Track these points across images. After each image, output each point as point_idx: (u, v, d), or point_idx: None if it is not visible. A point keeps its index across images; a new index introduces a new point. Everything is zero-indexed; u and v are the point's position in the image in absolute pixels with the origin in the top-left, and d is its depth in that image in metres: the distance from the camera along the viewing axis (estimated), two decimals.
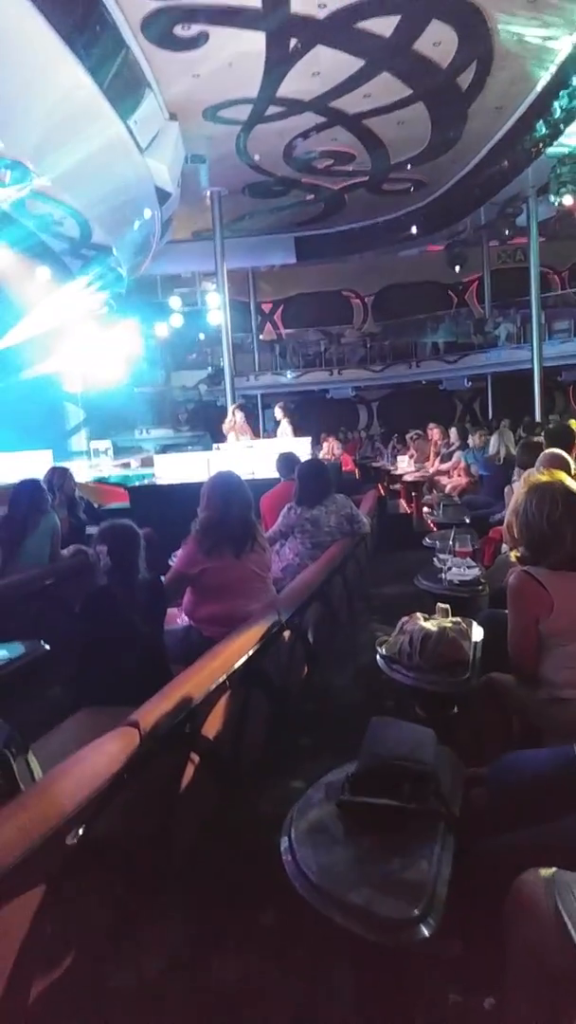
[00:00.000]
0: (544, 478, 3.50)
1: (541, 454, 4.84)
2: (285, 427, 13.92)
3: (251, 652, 3.55)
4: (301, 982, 2.56)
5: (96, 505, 9.86)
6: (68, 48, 7.83)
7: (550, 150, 13.75)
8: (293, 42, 10.40)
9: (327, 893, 1.83)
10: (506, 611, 3.98)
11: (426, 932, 1.73)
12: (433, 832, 2.03)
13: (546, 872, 1.89)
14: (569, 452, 6.38)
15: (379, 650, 3.37)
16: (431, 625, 3.25)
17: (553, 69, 11.60)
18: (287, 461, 7.19)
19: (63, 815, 2.04)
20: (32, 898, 2.02)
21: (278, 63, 10.96)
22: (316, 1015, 2.46)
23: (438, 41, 10.67)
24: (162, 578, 4.31)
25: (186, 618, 4.48)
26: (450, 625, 3.29)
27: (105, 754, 2.32)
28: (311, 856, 1.96)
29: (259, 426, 24.04)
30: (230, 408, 14.65)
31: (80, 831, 2.13)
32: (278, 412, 14.33)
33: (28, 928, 2.01)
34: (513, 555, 3.46)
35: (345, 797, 2.15)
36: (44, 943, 2.07)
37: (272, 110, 12.76)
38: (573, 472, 4.65)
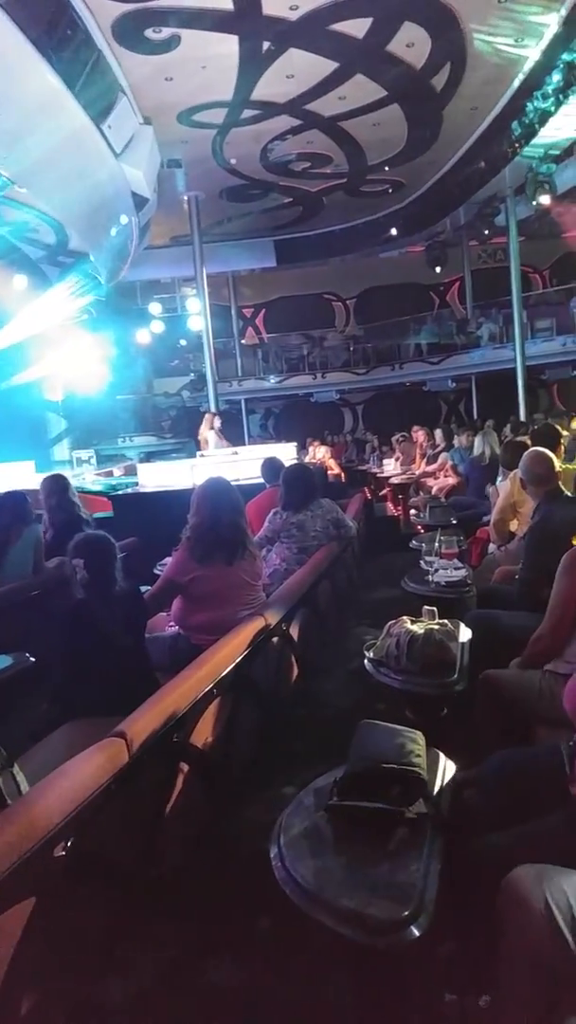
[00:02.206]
0: None
1: (524, 454, 4.85)
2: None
3: (239, 659, 3.54)
4: (297, 988, 2.55)
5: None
6: (38, 52, 7.78)
7: (526, 150, 13.82)
8: (266, 45, 10.40)
9: (317, 898, 1.83)
10: (493, 611, 4.00)
11: (416, 932, 1.73)
12: (422, 834, 2.03)
13: (536, 868, 1.90)
14: (554, 451, 6.40)
15: (367, 654, 3.37)
16: (418, 628, 3.25)
17: (526, 70, 11.66)
18: (272, 467, 7.17)
19: (50, 828, 2.03)
20: (22, 911, 2.01)
21: (252, 66, 10.96)
22: (313, 1020, 2.45)
23: (411, 42, 10.71)
24: (142, 588, 4.29)
25: (175, 626, 4.47)
26: (437, 627, 3.29)
27: (92, 766, 2.31)
28: (300, 861, 1.96)
29: (244, 432, 24.11)
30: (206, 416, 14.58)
31: (68, 843, 2.12)
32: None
33: (18, 941, 2.00)
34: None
35: (333, 801, 2.15)
36: (35, 956, 2.06)
37: (247, 113, 12.76)
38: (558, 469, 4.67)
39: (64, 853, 2.11)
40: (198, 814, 3.23)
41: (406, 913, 1.76)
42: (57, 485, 6.96)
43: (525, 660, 3.45)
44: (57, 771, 2.24)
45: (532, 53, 11.09)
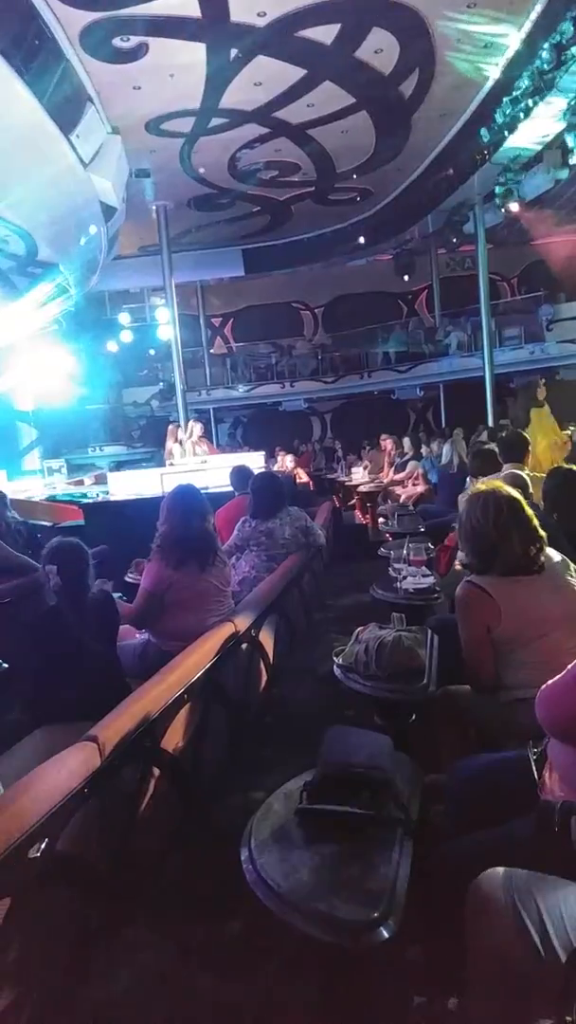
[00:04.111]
0: (483, 487, 3.53)
1: (503, 475, 4.88)
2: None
3: (209, 665, 3.55)
4: (267, 989, 2.56)
5: (51, 524, 9.79)
6: (5, 62, 7.76)
7: (495, 157, 13.90)
8: (234, 52, 10.38)
9: (287, 900, 1.85)
10: (452, 615, 4.01)
11: (386, 934, 1.75)
12: (391, 837, 2.05)
13: (504, 872, 1.92)
14: (523, 460, 6.44)
15: (336, 660, 3.38)
16: (386, 634, 3.27)
17: (495, 77, 11.72)
18: (241, 475, 7.18)
19: (25, 829, 2.03)
20: None
21: (219, 74, 10.94)
22: (282, 1022, 2.46)
23: (379, 48, 10.71)
24: (114, 595, 4.28)
25: (144, 632, 4.46)
26: (405, 634, 3.31)
27: (65, 769, 2.31)
28: (271, 865, 1.97)
29: (212, 441, 24.08)
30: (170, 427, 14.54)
31: (43, 845, 2.12)
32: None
33: None
34: (457, 564, 3.50)
35: (303, 805, 2.16)
36: (10, 957, 2.05)
37: (215, 121, 12.73)
38: (531, 490, 4.71)
39: (39, 855, 2.12)
40: (170, 818, 3.23)
41: (375, 915, 1.78)
42: None
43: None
44: (31, 774, 2.24)
45: (503, 55, 11.13)
